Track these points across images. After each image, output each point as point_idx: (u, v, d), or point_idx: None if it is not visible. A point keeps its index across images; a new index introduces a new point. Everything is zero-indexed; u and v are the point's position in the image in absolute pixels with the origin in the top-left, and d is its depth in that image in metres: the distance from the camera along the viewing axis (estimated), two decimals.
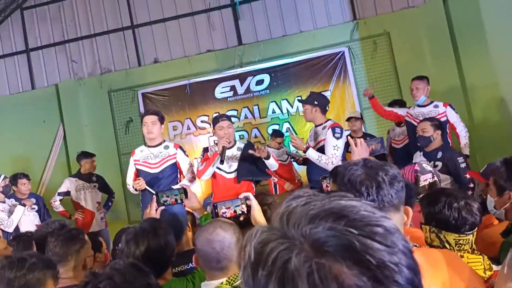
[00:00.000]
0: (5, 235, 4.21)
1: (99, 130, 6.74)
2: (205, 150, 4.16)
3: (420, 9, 6.26)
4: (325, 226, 0.50)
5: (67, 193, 5.48)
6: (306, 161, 4.18)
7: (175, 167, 4.07)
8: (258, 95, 6.69)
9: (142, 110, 6.66)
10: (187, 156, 4.14)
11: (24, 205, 4.72)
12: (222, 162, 3.86)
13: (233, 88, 6.72)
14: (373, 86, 6.29)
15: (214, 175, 4.06)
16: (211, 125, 4.10)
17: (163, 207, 2.40)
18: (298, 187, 5.45)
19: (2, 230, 4.25)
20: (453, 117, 4.46)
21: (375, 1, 6.54)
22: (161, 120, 4.03)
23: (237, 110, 6.71)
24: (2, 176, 4.82)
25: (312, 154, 3.79)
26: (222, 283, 1.57)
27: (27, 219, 4.78)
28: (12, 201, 4.83)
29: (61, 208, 5.43)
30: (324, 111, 4.03)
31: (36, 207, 5.16)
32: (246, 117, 6.71)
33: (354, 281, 0.47)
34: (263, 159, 3.88)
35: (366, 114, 6.14)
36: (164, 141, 4.16)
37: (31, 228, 4.24)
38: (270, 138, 5.83)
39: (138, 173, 4.03)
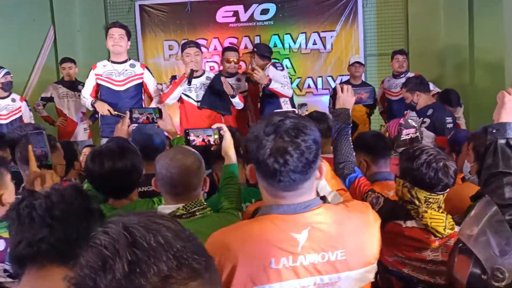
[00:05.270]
0: None
1: (91, 37, 6.42)
2: (174, 77, 4.02)
3: None
4: None
5: (50, 98, 5.35)
6: None
7: (140, 87, 3.99)
8: (261, 25, 6.38)
9: (138, 22, 6.39)
10: (154, 78, 4.08)
11: None
12: (189, 83, 3.80)
13: (236, 13, 6.39)
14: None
15: (182, 102, 4.00)
16: (180, 52, 4.05)
17: (136, 125, 2.31)
18: None
19: None
20: None
21: None
22: (128, 35, 3.89)
23: (237, 39, 6.43)
24: (4, 71, 4.61)
25: (276, 84, 4.03)
26: (178, 208, 1.55)
27: None
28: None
29: (44, 113, 5.33)
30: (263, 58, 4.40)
31: None
32: (246, 47, 6.45)
33: None
34: (230, 96, 3.89)
35: (369, 61, 5.94)
36: (130, 59, 4.02)
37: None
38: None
39: (99, 88, 3.95)
